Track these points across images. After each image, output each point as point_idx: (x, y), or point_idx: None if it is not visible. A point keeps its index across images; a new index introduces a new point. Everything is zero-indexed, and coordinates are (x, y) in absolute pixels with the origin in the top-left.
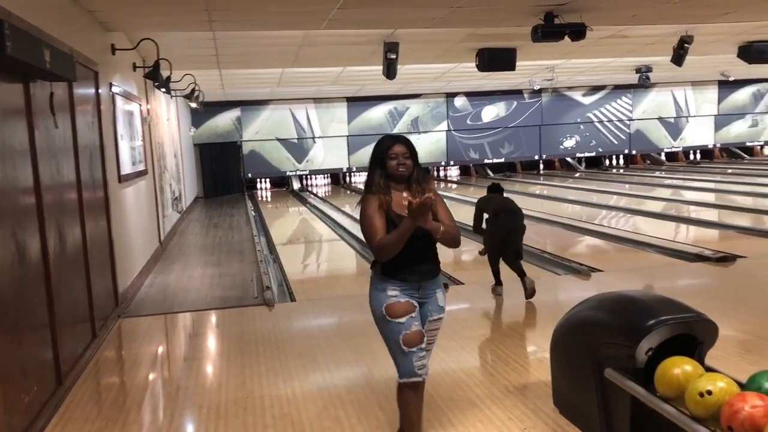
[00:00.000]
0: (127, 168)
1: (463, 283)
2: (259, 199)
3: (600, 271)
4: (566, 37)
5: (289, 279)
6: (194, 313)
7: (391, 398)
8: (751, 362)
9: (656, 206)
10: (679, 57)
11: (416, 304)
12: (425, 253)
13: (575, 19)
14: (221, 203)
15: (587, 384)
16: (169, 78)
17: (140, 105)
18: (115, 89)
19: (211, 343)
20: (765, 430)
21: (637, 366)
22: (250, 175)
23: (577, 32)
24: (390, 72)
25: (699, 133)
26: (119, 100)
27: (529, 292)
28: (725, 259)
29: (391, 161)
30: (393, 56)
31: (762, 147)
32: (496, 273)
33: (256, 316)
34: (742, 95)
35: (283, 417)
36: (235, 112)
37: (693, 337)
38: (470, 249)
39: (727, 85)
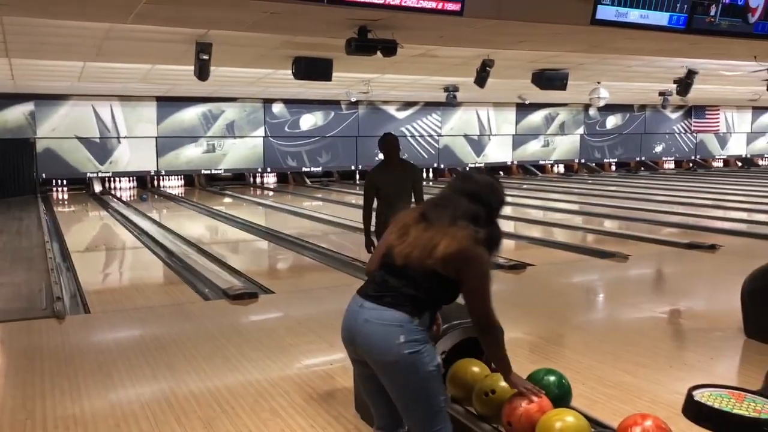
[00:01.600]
0: None
1: (273, 292)
2: (55, 202)
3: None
4: (378, 52)
5: (84, 289)
6: None
7: (189, 413)
8: (534, 362)
9: None
10: (481, 79)
11: None
12: None
13: (387, 36)
14: (9, 205)
15: None
16: None
17: None
18: None
19: None
20: (538, 422)
21: None
22: (44, 175)
23: (389, 48)
24: (202, 73)
25: (499, 151)
26: None
27: None
28: (516, 266)
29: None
30: (205, 57)
31: (552, 165)
32: None
33: (44, 329)
34: (537, 117)
35: None
36: (27, 106)
37: None
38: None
39: (523, 108)
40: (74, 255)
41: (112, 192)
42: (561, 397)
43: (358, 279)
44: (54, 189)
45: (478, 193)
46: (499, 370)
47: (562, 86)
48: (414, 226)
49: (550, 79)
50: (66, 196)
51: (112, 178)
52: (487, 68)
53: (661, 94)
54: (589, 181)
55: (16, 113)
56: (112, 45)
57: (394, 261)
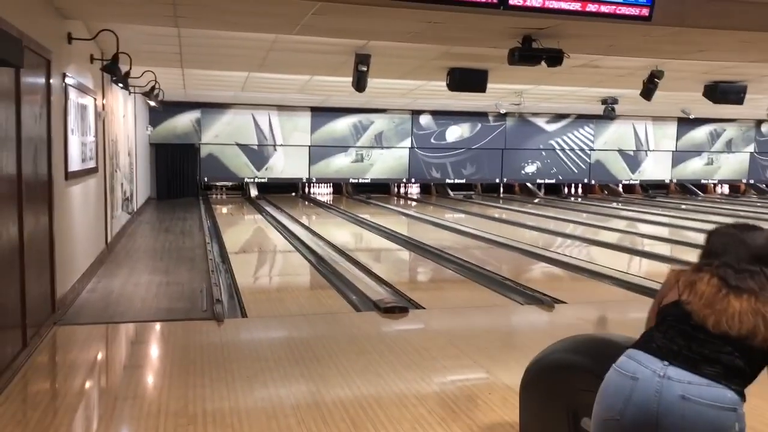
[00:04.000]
0: (75, 164)
1: (424, 308)
2: (214, 204)
3: (563, 302)
4: (543, 62)
5: (241, 292)
6: (137, 324)
7: (335, 415)
8: None
9: (612, 237)
10: (648, 91)
11: None
12: None
13: (553, 45)
14: (174, 206)
15: None
16: (128, 73)
17: (95, 99)
18: (68, 80)
19: (154, 357)
20: None
21: None
22: (206, 179)
23: (554, 58)
24: (360, 84)
25: (657, 168)
26: (72, 93)
27: None
28: None
29: None
30: (364, 68)
31: (716, 185)
32: None
33: (204, 331)
34: (700, 133)
35: None
36: (194, 114)
37: None
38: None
39: (685, 122)
40: (232, 257)
41: (266, 197)
42: None
43: (502, 296)
44: (214, 192)
45: None
46: None
47: (739, 100)
48: (708, 284)
49: (724, 92)
50: (225, 199)
51: (267, 184)
52: (656, 80)
53: None
54: (758, 204)
55: (185, 120)
56: (275, 56)
57: (700, 322)
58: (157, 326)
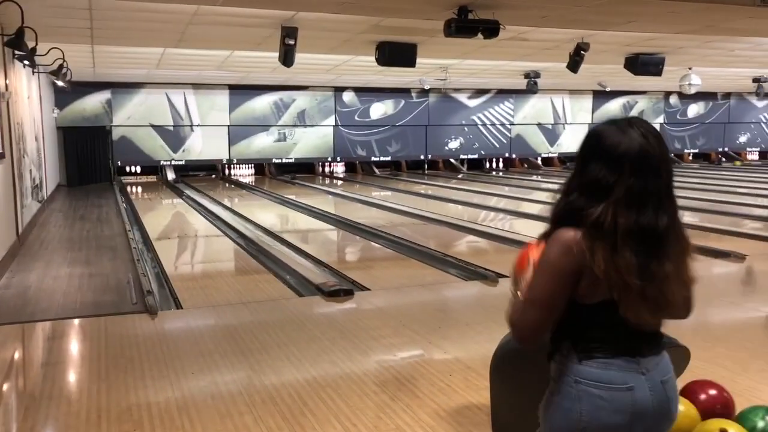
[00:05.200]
0: None
1: (369, 289)
2: (130, 189)
3: (506, 276)
4: (480, 34)
5: (171, 281)
6: (62, 321)
7: (298, 414)
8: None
9: (535, 208)
10: (575, 63)
11: None
12: None
13: (488, 16)
14: (87, 192)
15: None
16: (34, 49)
17: None
18: None
19: (86, 358)
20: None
21: None
22: (119, 163)
23: (491, 30)
24: (287, 59)
25: (574, 140)
26: None
27: None
28: None
29: None
30: (291, 42)
31: None
32: None
33: (138, 324)
34: (614, 105)
35: None
36: (104, 95)
37: None
38: None
39: (601, 96)
40: (156, 243)
41: (184, 180)
42: None
43: (442, 272)
44: (128, 176)
45: None
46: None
47: (658, 72)
48: None
49: (645, 64)
50: (140, 184)
51: (185, 166)
52: (582, 52)
53: (755, 80)
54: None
55: (94, 101)
56: (195, 30)
57: None
58: (85, 322)
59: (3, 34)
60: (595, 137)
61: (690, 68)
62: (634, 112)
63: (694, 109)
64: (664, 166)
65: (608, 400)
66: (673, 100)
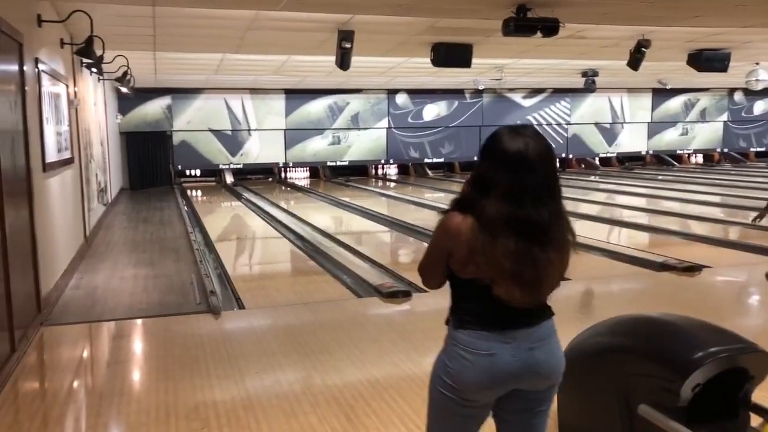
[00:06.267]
0: (52, 155)
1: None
2: (190, 192)
3: (567, 279)
4: (538, 32)
5: (234, 282)
6: (128, 321)
7: (362, 414)
8: None
9: (593, 209)
10: (636, 61)
11: None
12: None
13: (547, 14)
14: (149, 196)
15: (609, 421)
16: (101, 58)
17: (67, 86)
18: (42, 66)
19: (153, 356)
20: None
21: (679, 404)
22: (180, 166)
23: (550, 28)
24: (344, 62)
25: (633, 140)
26: (46, 80)
27: None
28: (692, 269)
29: None
30: (348, 45)
31: (690, 155)
32: None
33: (202, 324)
34: (675, 103)
35: None
36: (165, 100)
37: (742, 370)
38: None
39: (661, 93)
40: (217, 245)
41: (243, 183)
42: None
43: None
44: (188, 180)
45: None
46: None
47: (723, 68)
48: None
49: (709, 60)
50: (200, 187)
51: (243, 170)
52: (643, 49)
53: None
54: (732, 172)
55: (155, 107)
56: (254, 35)
57: None
58: (151, 322)
59: (72, 43)
60: (488, 139)
61: (757, 63)
62: (696, 110)
63: (761, 106)
64: (542, 167)
65: (473, 362)
66: (738, 96)
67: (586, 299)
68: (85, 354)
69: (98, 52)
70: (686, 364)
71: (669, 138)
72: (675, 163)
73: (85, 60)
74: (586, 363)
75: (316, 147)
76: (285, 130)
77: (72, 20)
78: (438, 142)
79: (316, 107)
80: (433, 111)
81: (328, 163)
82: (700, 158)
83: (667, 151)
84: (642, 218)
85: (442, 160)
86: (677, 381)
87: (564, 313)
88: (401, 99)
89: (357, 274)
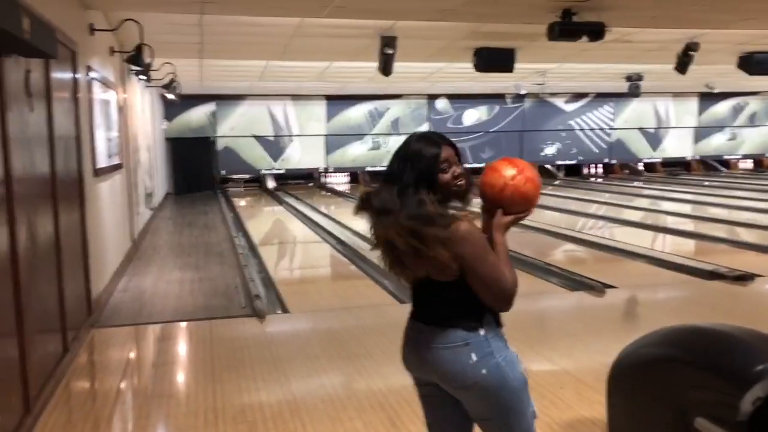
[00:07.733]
0: (103, 161)
1: None
2: (233, 197)
3: (613, 287)
4: (584, 37)
5: (278, 286)
6: (175, 324)
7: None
8: None
9: (636, 215)
10: (683, 64)
11: None
12: None
13: (593, 18)
14: (193, 201)
15: None
16: (149, 65)
17: (117, 93)
18: (93, 74)
19: (200, 359)
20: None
21: (739, 418)
22: (223, 172)
23: (596, 32)
24: (386, 68)
25: (678, 145)
26: (97, 87)
27: None
28: (743, 278)
29: (443, 174)
30: (390, 51)
31: (739, 160)
32: None
33: (248, 328)
34: (723, 108)
35: None
36: (210, 107)
37: None
38: None
39: (708, 98)
40: (261, 249)
41: (284, 188)
42: None
43: (543, 280)
44: (231, 185)
45: None
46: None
47: None
48: None
49: (760, 63)
50: (243, 192)
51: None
52: (690, 52)
53: None
54: None
55: (200, 113)
56: (298, 42)
57: None
58: (197, 325)
59: (122, 51)
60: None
61: None
62: (745, 114)
63: None
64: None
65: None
66: None
67: (630, 307)
68: (133, 356)
69: (147, 60)
70: (746, 376)
71: (716, 143)
72: (723, 168)
73: (133, 67)
74: (639, 374)
75: (356, 152)
76: (326, 135)
77: (121, 29)
78: (478, 147)
79: (357, 113)
80: (473, 116)
81: (368, 169)
82: (749, 164)
83: (714, 156)
84: (688, 225)
85: (482, 165)
86: (737, 394)
87: (609, 321)
88: (441, 104)
89: (397, 280)
